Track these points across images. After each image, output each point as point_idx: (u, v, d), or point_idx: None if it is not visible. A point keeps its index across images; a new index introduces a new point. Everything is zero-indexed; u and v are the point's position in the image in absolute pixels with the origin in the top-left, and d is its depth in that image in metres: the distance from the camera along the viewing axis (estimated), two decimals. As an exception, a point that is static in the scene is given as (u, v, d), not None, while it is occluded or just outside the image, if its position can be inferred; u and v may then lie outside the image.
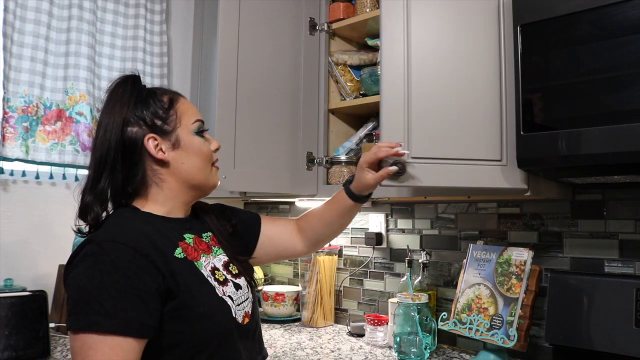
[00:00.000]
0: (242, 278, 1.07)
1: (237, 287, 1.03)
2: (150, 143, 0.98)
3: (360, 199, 1.19)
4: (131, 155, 0.98)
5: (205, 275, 0.98)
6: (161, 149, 1.00)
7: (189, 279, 0.93)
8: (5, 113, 1.69)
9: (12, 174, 1.74)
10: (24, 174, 1.78)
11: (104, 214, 0.99)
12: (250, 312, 1.04)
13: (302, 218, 1.29)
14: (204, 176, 1.05)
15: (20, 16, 1.73)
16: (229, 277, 1.03)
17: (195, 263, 0.98)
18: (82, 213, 0.97)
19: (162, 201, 1.02)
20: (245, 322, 1.01)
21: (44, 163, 1.78)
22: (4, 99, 1.70)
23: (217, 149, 1.09)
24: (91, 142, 1.03)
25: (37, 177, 1.79)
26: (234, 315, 0.97)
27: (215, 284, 0.98)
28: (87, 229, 0.98)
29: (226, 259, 1.07)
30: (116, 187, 0.99)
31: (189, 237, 1.02)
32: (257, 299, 1.13)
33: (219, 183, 1.10)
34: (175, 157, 1.01)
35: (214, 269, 1.01)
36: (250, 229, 1.23)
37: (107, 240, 0.88)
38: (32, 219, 1.79)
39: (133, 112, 0.99)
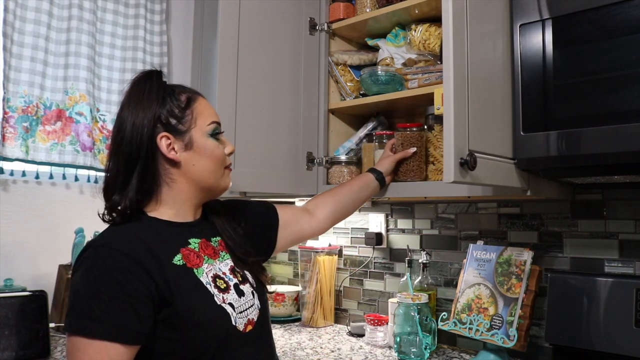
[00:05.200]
0: (247, 284, 1.04)
1: (240, 294, 1.01)
2: (163, 142, 0.98)
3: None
4: (153, 153, 0.98)
5: (205, 282, 0.96)
6: (173, 149, 0.99)
7: (184, 286, 0.92)
8: (5, 113, 1.69)
9: (12, 174, 1.74)
10: (24, 174, 1.78)
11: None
12: (255, 319, 1.01)
13: (310, 201, 1.38)
14: (215, 179, 1.04)
15: (20, 16, 1.73)
16: (232, 283, 1.01)
17: (195, 270, 0.96)
18: (110, 211, 0.98)
19: (171, 203, 1.01)
20: (247, 330, 0.98)
21: (44, 163, 1.78)
22: (4, 99, 1.70)
23: (231, 152, 1.08)
24: (114, 138, 0.99)
25: (37, 177, 1.79)
26: (233, 323, 0.96)
27: (214, 291, 0.96)
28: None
29: (232, 264, 1.05)
30: (148, 184, 0.98)
31: (194, 242, 1.01)
32: (266, 304, 1.10)
33: (230, 185, 1.10)
34: (186, 158, 1.00)
35: (215, 276, 0.99)
36: (268, 221, 1.24)
37: (103, 245, 0.90)
38: (32, 219, 1.79)
39: (160, 110, 0.98)
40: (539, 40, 1.13)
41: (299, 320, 2.06)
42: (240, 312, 0.98)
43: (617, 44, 1.03)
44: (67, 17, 1.84)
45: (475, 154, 0.99)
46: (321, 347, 1.68)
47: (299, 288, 2.12)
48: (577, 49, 1.08)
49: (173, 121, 0.99)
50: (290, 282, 2.29)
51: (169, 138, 0.98)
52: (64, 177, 1.85)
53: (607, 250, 1.44)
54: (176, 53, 2.19)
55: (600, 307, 1.33)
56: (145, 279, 0.88)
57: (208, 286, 0.96)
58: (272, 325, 1.98)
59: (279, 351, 1.61)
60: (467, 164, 0.97)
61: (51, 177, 1.82)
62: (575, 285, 1.38)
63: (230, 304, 0.97)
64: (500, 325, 1.38)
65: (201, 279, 0.96)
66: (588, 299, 1.35)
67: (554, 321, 1.39)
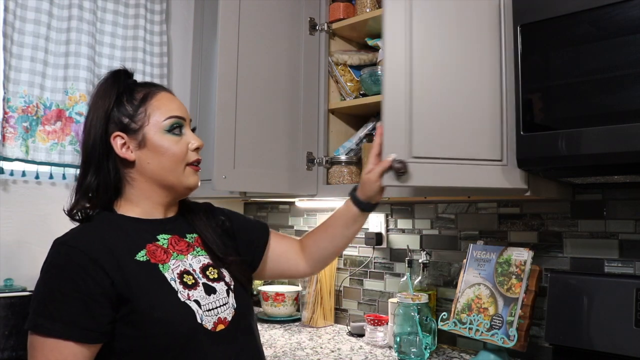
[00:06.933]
0: (222, 283, 1.01)
1: (211, 291, 0.97)
2: (117, 141, 0.98)
3: (366, 206, 1.17)
4: (107, 152, 0.99)
5: (169, 278, 0.94)
6: (128, 148, 0.98)
7: (145, 282, 0.91)
8: (5, 113, 1.69)
9: (12, 174, 1.74)
10: (24, 174, 1.78)
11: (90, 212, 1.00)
12: (227, 318, 0.97)
13: (306, 236, 1.27)
14: (175, 177, 1.00)
15: (20, 16, 1.73)
16: (202, 280, 0.98)
17: (160, 266, 0.94)
18: (70, 212, 0.99)
19: (136, 201, 1.01)
20: (218, 329, 0.95)
21: (44, 163, 1.78)
22: (4, 99, 1.70)
23: (197, 148, 1.03)
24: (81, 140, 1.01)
25: (37, 177, 1.79)
26: (199, 320, 0.92)
27: (179, 287, 0.94)
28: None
29: (207, 261, 1.03)
30: (102, 183, 0.98)
31: (163, 238, 0.99)
32: (247, 306, 1.05)
33: (197, 184, 1.04)
34: (140, 157, 0.99)
35: (183, 272, 0.97)
36: (256, 237, 1.19)
37: (63, 243, 0.91)
38: (32, 219, 1.79)
39: (112, 109, 0.98)
40: (539, 41, 1.13)
41: (299, 320, 2.06)
42: (208, 310, 0.95)
43: (617, 44, 1.03)
44: (67, 17, 1.84)
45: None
46: (321, 347, 1.68)
47: (299, 288, 2.12)
48: (577, 49, 1.08)
49: (125, 120, 0.98)
50: (290, 282, 2.29)
51: (123, 137, 0.98)
52: (64, 177, 1.85)
53: (607, 250, 1.44)
54: (176, 53, 2.20)
55: (600, 307, 1.33)
56: (100, 276, 0.87)
57: (172, 282, 0.94)
58: (272, 325, 1.99)
59: (279, 351, 1.61)
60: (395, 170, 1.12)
61: (51, 177, 1.82)
62: (575, 285, 1.38)
63: (196, 301, 0.94)
64: (500, 325, 1.38)
65: (166, 274, 0.94)
66: (588, 299, 1.35)
67: (554, 321, 1.39)
